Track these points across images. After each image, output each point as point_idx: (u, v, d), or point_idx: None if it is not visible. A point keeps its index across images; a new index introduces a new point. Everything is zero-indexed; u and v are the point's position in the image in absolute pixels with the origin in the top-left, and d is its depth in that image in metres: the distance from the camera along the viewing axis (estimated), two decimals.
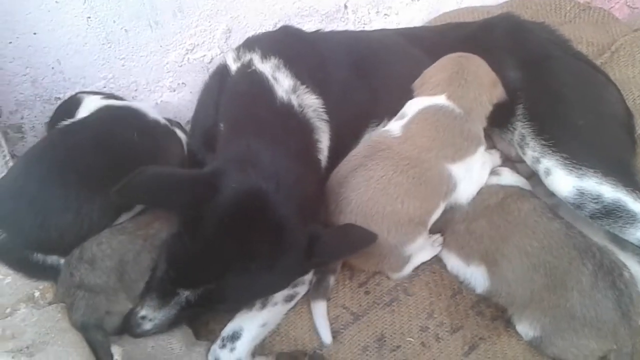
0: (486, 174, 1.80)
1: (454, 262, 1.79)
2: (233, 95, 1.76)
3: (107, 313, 1.52)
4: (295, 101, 1.73)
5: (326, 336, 1.60)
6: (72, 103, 1.96)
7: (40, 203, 1.55)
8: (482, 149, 1.77)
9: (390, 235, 1.63)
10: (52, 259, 1.60)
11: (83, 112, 1.87)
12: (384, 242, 1.62)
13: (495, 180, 1.79)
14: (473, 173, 1.73)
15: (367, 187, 1.63)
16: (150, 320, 1.50)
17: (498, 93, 1.81)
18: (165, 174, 1.44)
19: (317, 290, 1.68)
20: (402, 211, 1.62)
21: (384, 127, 1.88)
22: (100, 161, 1.63)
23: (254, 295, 1.56)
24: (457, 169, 1.69)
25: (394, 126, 1.76)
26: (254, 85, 1.73)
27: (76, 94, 2.06)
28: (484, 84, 1.77)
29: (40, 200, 1.55)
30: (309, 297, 1.69)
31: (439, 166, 1.67)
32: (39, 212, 1.55)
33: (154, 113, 1.92)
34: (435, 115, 1.71)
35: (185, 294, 1.41)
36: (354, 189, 1.65)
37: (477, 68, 1.80)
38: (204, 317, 1.69)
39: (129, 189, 1.34)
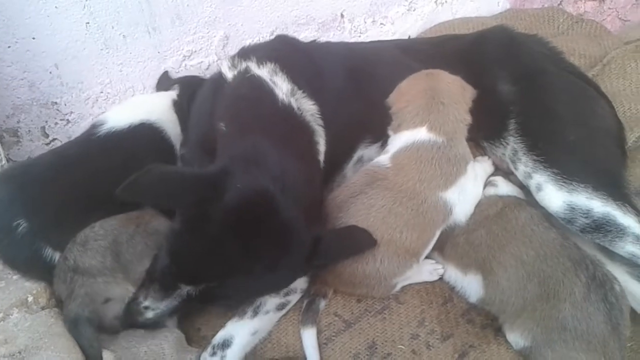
0: (481, 186, 1.81)
1: (451, 272, 1.80)
2: (235, 97, 1.76)
3: (106, 301, 1.54)
4: (294, 104, 1.75)
5: None
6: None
7: (65, 200, 1.64)
8: (471, 164, 1.77)
9: (383, 266, 1.63)
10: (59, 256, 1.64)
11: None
12: (374, 273, 1.63)
13: (493, 191, 1.80)
14: (467, 192, 1.74)
15: (367, 215, 1.64)
16: (152, 310, 1.53)
17: (471, 96, 1.82)
18: (172, 173, 1.45)
19: (307, 315, 1.67)
20: (400, 242, 1.63)
21: (377, 147, 1.93)
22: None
23: (254, 293, 1.57)
24: (451, 195, 1.70)
25: (382, 158, 1.77)
26: (255, 88, 1.74)
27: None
28: (459, 101, 1.78)
29: (66, 198, 1.64)
30: (299, 322, 1.68)
31: (433, 197, 1.67)
32: (61, 208, 1.64)
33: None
34: (419, 150, 1.71)
35: (186, 288, 1.43)
36: (354, 215, 1.66)
37: (448, 85, 1.80)
38: (205, 309, 1.72)
39: (135, 188, 1.34)
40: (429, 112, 1.75)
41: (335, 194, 1.75)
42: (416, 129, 1.74)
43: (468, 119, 1.78)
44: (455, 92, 1.80)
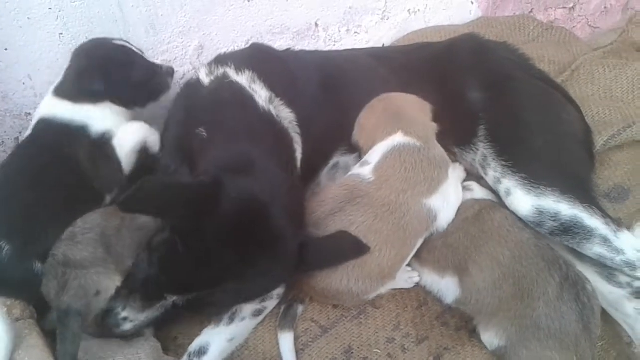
0: (460, 191, 1.83)
1: (427, 276, 1.81)
2: (215, 102, 1.78)
3: (97, 294, 1.52)
4: (274, 111, 1.77)
5: None
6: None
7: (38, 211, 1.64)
8: (451, 170, 1.79)
9: (356, 286, 1.64)
10: None
11: None
12: (347, 290, 1.64)
13: (469, 195, 1.83)
14: (450, 198, 1.75)
15: None
16: (131, 321, 1.51)
17: (429, 109, 1.87)
18: (168, 186, 1.45)
19: (285, 320, 1.68)
20: (376, 261, 1.62)
21: (354, 156, 1.93)
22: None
23: (243, 299, 1.59)
24: (435, 201, 1.70)
25: (364, 171, 1.74)
26: (236, 93, 1.76)
27: None
28: (420, 111, 1.83)
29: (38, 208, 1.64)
30: (276, 328, 1.69)
31: (417, 206, 1.67)
32: (37, 220, 1.63)
33: None
34: (401, 155, 1.72)
35: (172, 299, 1.44)
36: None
37: (404, 101, 1.85)
38: (182, 316, 1.71)
39: (134, 201, 1.34)
40: (398, 122, 1.78)
41: (311, 209, 1.71)
42: (391, 137, 1.76)
43: (434, 125, 1.82)
44: (414, 104, 1.85)
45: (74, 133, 1.78)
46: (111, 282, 1.55)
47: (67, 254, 1.53)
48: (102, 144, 1.82)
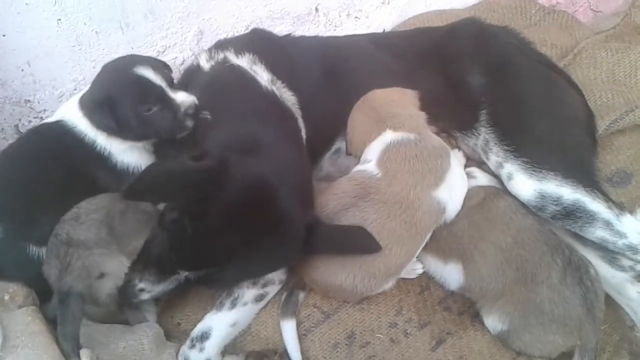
0: (465, 177, 1.81)
1: (431, 263, 1.81)
2: (217, 85, 1.78)
3: (101, 276, 1.53)
4: (277, 92, 1.77)
5: (296, 357, 1.62)
6: None
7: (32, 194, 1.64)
8: (452, 156, 1.77)
9: (362, 284, 1.62)
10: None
11: None
12: (351, 288, 1.63)
13: (473, 182, 1.82)
14: (456, 187, 1.73)
15: None
16: (148, 292, 1.54)
17: (413, 96, 1.84)
18: (173, 170, 1.47)
19: (287, 307, 1.68)
20: (384, 261, 1.60)
21: None
22: None
23: (250, 276, 1.63)
24: (442, 193, 1.66)
25: (369, 167, 1.70)
26: (237, 76, 1.76)
27: None
28: (404, 103, 1.79)
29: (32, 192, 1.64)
30: (278, 314, 1.70)
31: (428, 200, 1.64)
32: (31, 203, 1.63)
33: None
34: (399, 149, 1.67)
35: (185, 274, 1.47)
36: None
37: (386, 96, 1.80)
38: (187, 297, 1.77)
39: (139, 188, 1.37)
40: (384, 120, 1.73)
41: (323, 203, 1.67)
42: (381, 136, 1.72)
43: (422, 114, 1.79)
44: (396, 98, 1.81)
45: (96, 154, 1.75)
46: (117, 263, 1.56)
47: (71, 233, 1.54)
48: (127, 174, 1.79)
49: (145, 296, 1.55)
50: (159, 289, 1.54)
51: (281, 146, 1.60)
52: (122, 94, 1.68)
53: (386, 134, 1.71)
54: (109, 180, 1.76)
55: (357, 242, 1.57)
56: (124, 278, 1.56)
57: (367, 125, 1.76)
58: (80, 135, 1.74)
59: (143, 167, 1.76)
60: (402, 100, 1.81)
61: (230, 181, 1.43)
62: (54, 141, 1.74)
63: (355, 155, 1.83)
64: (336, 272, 1.62)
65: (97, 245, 1.53)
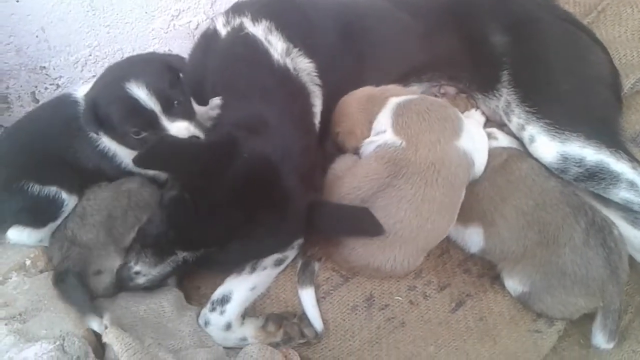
0: (484, 133, 1.80)
1: (451, 226, 1.78)
2: (228, 59, 1.75)
3: (97, 273, 1.59)
4: (290, 65, 1.74)
5: (318, 324, 1.61)
6: None
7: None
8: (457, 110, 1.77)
9: (401, 265, 1.61)
10: (51, 190, 1.62)
11: None
12: (390, 269, 1.61)
13: (495, 143, 1.80)
14: (476, 139, 1.72)
15: (397, 209, 1.57)
16: (144, 275, 1.53)
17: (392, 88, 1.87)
18: (181, 144, 1.47)
19: (304, 275, 1.67)
20: (426, 235, 1.59)
21: None
22: None
23: (251, 257, 1.61)
24: (465, 142, 1.65)
25: (387, 137, 1.67)
26: (250, 49, 1.73)
27: None
28: (380, 95, 1.81)
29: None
30: (296, 281, 1.69)
31: (454, 151, 1.62)
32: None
33: None
34: (410, 108, 1.68)
35: (183, 254, 1.45)
36: (382, 211, 1.56)
37: (369, 88, 1.85)
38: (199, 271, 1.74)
39: (150, 157, 1.38)
40: (383, 94, 1.79)
41: (355, 184, 1.62)
42: (386, 104, 1.74)
43: (400, 90, 1.86)
44: (364, 94, 1.85)
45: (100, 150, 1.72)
46: (112, 262, 1.61)
47: (76, 233, 1.63)
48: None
49: (141, 280, 1.54)
50: (155, 271, 1.51)
51: (288, 126, 1.57)
52: (111, 114, 1.54)
53: (391, 101, 1.73)
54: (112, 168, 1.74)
55: (360, 224, 1.55)
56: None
57: (368, 105, 1.78)
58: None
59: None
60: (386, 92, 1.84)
61: (234, 158, 1.42)
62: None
63: (352, 148, 1.80)
64: (374, 255, 1.61)
65: (96, 247, 1.61)
